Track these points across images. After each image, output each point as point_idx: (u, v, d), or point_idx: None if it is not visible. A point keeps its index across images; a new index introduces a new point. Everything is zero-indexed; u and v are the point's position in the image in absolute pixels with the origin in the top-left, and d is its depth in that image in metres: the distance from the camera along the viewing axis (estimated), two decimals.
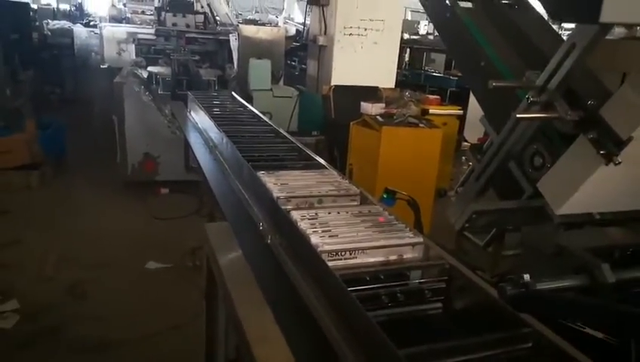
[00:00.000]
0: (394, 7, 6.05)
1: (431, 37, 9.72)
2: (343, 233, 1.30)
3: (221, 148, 2.46)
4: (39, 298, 3.42)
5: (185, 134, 3.44)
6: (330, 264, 1.12)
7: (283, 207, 1.49)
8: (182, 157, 4.73)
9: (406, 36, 8.90)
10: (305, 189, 1.63)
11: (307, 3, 6.52)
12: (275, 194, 1.56)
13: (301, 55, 8.02)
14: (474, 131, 6.79)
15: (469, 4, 1.39)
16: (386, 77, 6.13)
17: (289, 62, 8.31)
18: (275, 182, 1.68)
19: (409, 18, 12.23)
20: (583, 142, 0.93)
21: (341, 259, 1.21)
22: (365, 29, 5.88)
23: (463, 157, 6.00)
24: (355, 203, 1.61)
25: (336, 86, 5.63)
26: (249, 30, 5.93)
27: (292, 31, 8.57)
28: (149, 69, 5.64)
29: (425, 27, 10.45)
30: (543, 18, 1.19)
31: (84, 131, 7.36)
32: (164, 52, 6.37)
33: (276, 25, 7.91)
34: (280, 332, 1.18)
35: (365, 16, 5.84)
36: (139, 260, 4.00)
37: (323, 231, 1.30)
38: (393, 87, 6.19)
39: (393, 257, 1.23)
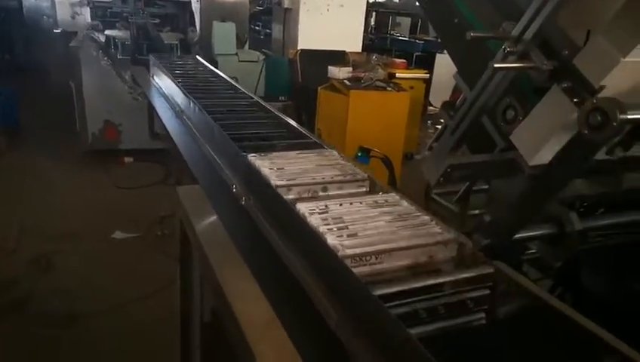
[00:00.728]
0: None
1: (396, 0, 9.63)
2: (363, 231, 1.09)
3: (190, 113, 2.38)
4: (2, 272, 3.31)
5: (149, 100, 3.33)
6: (356, 271, 0.96)
7: (286, 197, 1.27)
8: (146, 124, 4.59)
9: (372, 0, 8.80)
10: (306, 175, 1.41)
11: None
12: (274, 181, 1.34)
13: (265, 19, 7.82)
14: (439, 95, 6.85)
15: None
16: (352, 41, 6.07)
17: (253, 26, 8.09)
18: (270, 167, 1.45)
19: None
20: (557, 92, 0.95)
21: (366, 265, 1.01)
22: None
23: (429, 121, 6.10)
24: (364, 188, 1.40)
25: (302, 50, 5.54)
26: None
27: None
28: (107, 32, 5.39)
29: None
30: None
31: (40, 99, 7.03)
32: (122, 15, 6.08)
33: None
34: (259, 289, 1.19)
35: None
36: (105, 231, 3.92)
37: (339, 229, 1.09)
38: (360, 51, 6.15)
39: (424, 259, 1.05)
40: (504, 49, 0.98)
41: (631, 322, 1.46)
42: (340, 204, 1.22)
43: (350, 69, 4.94)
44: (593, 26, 0.97)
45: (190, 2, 6.08)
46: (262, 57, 5.40)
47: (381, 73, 4.95)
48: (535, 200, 1.05)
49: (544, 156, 1.05)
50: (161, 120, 2.80)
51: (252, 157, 1.51)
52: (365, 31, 7.00)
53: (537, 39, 0.95)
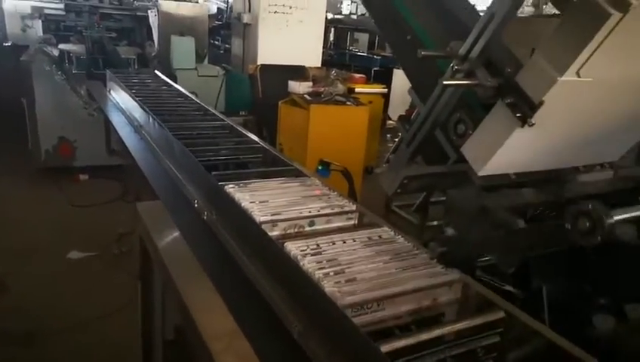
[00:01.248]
0: None
1: (354, 16, 9.84)
2: (361, 274, 1.02)
3: (154, 132, 2.34)
4: None
5: (106, 115, 3.27)
6: (356, 321, 0.89)
7: (271, 234, 1.20)
8: (102, 140, 4.49)
9: (330, 16, 8.94)
10: (291, 208, 1.31)
11: None
12: (258, 217, 1.24)
13: (225, 34, 7.82)
14: (398, 110, 7.02)
15: None
16: (312, 56, 6.15)
17: (212, 41, 8.07)
18: (251, 200, 1.34)
19: None
20: (501, 107, 1.01)
21: (367, 313, 0.94)
22: (290, 7, 5.85)
23: (388, 135, 6.22)
24: (352, 221, 1.34)
25: (262, 65, 5.57)
26: (169, 6, 5.69)
27: (213, 9, 8.30)
28: (60, 46, 5.26)
29: (348, 7, 10.55)
30: None
31: None
32: (76, 29, 5.95)
33: (197, 1, 7.63)
34: (222, 302, 1.20)
35: None
36: (60, 250, 3.78)
37: (336, 274, 1.01)
38: (319, 66, 6.24)
39: (427, 302, 1.00)
40: (452, 67, 1.05)
41: (578, 321, 1.55)
42: (333, 243, 1.15)
43: (310, 83, 5.00)
44: (537, 45, 1.05)
45: (147, 17, 6.03)
46: (222, 72, 5.39)
47: (341, 88, 5.04)
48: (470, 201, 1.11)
49: (493, 167, 1.12)
50: (118, 135, 2.76)
51: (231, 188, 1.43)
52: (324, 46, 7.12)
53: (482, 58, 1.02)
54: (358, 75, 6.24)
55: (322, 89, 4.89)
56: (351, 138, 4.56)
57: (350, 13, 10.29)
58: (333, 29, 9.15)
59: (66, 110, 4.91)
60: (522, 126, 0.98)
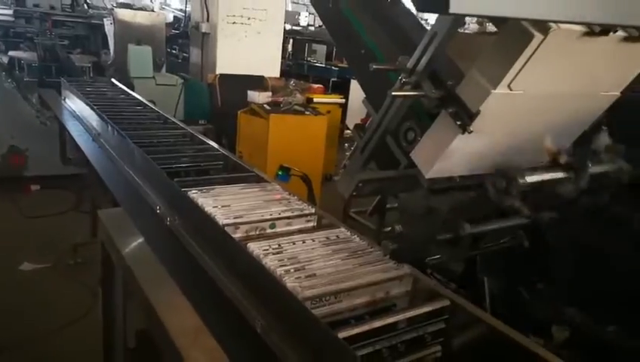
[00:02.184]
0: None
1: (312, 28, 10.00)
2: (320, 270, 1.09)
3: (110, 137, 2.36)
4: None
5: (61, 123, 3.22)
6: (315, 312, 0.97)
7: (234, 237, 1.25)
8: (56, 150, 4.38)
9: (288, 27, 9.06)
10: (252, 212, 1.37)
11: None
12: (221, 220, 1.30)
13: (183, 42, 7.78)
14: (355, 119, 7.17)
15: None
16: (270, 66, 6.23)
17: (170, 50, 8.01)
18: (214, 204, 1.40)
19: (289, 9, 12.42)
20: (445, 116, 1.13)
21: (325, 305, 1.01)
22: (249, 18, 5.91)
23: (346, 144, 6.32)
24: (312, 223, 1.40)
25: (221, 74, 5.60)
26: (126, 14, 5.63)
27: (170, 18, 8.26)
28: (10, 53, 5.11)
29: (305, 18, 10.71)
30: (411, 11, 1.38)
31: None
32: (26, 36, 5.80)
33: (152, 10, 7.57)
34: (187, 302, 1.24)
35: (248, 5, 5.88)
36: (12, 262, 3.66)
37: (296, 271, 1.08)
38: (278, 76, 6.32)
39: (380, 295, 1.09)
40: (400, 79, 1.15)
41: (520, 313, 1.69)
42: (293, 243, 1.21)
43: (269, 93, 5.08)
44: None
45: (102, 25, 5.94)
46: (180, 81, 5.38)
47: (299, 98, 5.13)
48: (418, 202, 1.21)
49: (439, 171, 1.23)
50: (75, 144, 2.73)
51: (194, 194, 1.48)
52: (283, 57, 7.21)
53: (427, 71, 1.13)
54: (316, 86, 6.36)
55: (281, 99, 4.97)
56: (310, 146, 4.65)
57: (308, 25, 10.46)
58: (291, 41, 9.26)
59: (17, 118, 4.77)
60: (462, 133, 1.09)
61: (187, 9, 6.65)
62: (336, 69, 8.22)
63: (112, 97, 3.25)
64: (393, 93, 1.14)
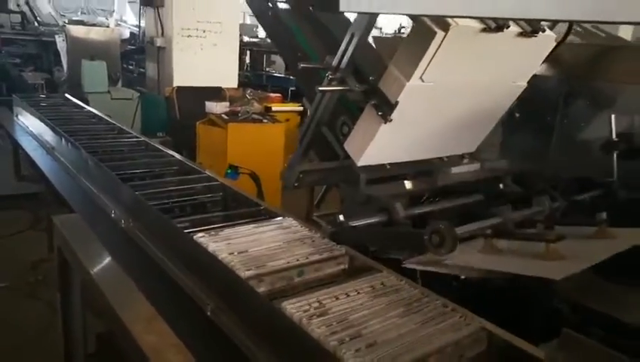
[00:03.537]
0: (230, 9, 6.26)
1: (269, 40, 10.13)
2: (380, 335, 0.89)
3: (64, 150, 2.38)
4: None
5: (15, 141, 3.21)
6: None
7: (260, 291, 1.04)
8: (7, 169, 4.30)
9: (246, 39, 9.16)
10: (274, 257, 1.16)
11: (140, 4, 6.38)
12: (242, 271, 1.08)
13: (138, 58, 7.77)
14: None
15: (287, 5, 1.67)
16: (228, 78, 6.30)
17: (127, 65, 7.98)
18: (229, 251, 1.18)
19: (247, 22, 12.54)
20: (370, 108, 1.25)
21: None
22: (204, 31, 5.98)
23: None
24: (343, 266, 1.20)
25: (179, 87, 5.63)
26: (78, 31, 5.61)
27: (126, 34, 8.23)
28: None
29: (263, 31, 10.82)
30: (338, 15, 1.51)
31: None
32: None
33: (107, 27, 7.53)
34: (146, 300, 1.31)
35: (202, 18, 5.95)
36: None
37: (351, 339, 0.86)
38: (236, 87, 6.40)
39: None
40: (327, 76, 1.27)
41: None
42: (336, 298, 1.00)
43: (227, 103, 5.15)
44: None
45: (55, 42, 5.89)
46: (136, 95, 5.39)
47: (257, 107, 5.22)
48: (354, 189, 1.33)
49: (369, 158, 1.35)
50: (30, 160, 2.74)
51: (201, 238, 1.24)
52: (241, 68, 7.30)
53: (350, 68, 1.25)
54: (274, 95, 6.46)
55: (239, 108, 5.05)
56: (269, 154, 4.74)
57: (266, 37, 10.59)
58: (249, 52, 9.37)
59: None
60: (385, 122, 1.22)
61: (142, 24, 6.67)
62: (294, 78, 8.36)
63: (65, 112, 3.26)
64: (320, 89, 1.27)
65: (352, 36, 1.20)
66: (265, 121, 4.93)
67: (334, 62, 1.26)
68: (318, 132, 1.41)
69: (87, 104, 4.07)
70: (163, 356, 1.16)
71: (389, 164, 1.40)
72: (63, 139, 2.35)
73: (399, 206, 1.49)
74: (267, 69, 9.53)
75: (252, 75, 8.85)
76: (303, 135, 1.43)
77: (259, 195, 2.42)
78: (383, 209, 1.50)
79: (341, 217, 1.38)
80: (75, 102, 3.56)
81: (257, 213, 1.47)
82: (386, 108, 1.20)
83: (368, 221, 1.45)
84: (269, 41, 10.42)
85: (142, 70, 7.41)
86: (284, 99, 6.90)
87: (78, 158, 2.12)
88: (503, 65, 1.30)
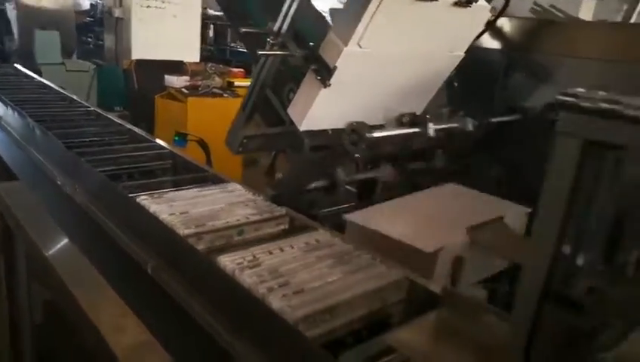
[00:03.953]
0: None
1: None
2: (307, 283, 0.93)
3: (10, 119, 2.32)
4: None
5: None
6: (308, 335, 0.82)
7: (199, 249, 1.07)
8: None
9: (211, 12, 8.95)
10: (215, 217, 1.17)
11: None
12: (181, 230, 1.10)
13: (97, 31, 7.51)
14: None
15: None
16: (189, 51, 6.18)
17: (86, 38, 7.72)
18: (170, 211, 1.19)
19: None
20: (310, 73, 1.28)
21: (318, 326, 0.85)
22: (163, 2, 5.83)
23: None
24: (283, 226, 1.22)
25: (138, 60, 5.49)
26: None
27: (86, 4, 7.92)
28: None
29: None
30: None
31: None
32: None
33: None
34: (91, 266, 1.32)
35: None
36: None
37: (280, 286, 0.91)
38: (198, 61, 6.28)
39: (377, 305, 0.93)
40: (269, 41, 1.29)
41: None
42: (270, 252, 1.03)
43: (187, 77, 5.06)
44: None
45: (4, 10, 5.63)
46: (92, 67, 5.23)
47: (218, 81, 5.16)
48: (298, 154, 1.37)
49: (311, 123, 1.38)
50: None
51: (144, 201, 1.25)
52: (204, 42, 7.15)
53: (290, 32, 1.27)
54: (236, 70, 6.37)
55: (200, 82, 4.98)
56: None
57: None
58: (212, 26, 9.17)
59: None
60: (324, 87, 1.25)
61: None
62: None
63: (13, 82, 3.15)
64: (260, 52, 1.28)
65: (293, 1, 1.22)
66: (225, 95, 4.88)
67: (275, 27, 1.28)
68: (262, 96, 1.43)
69: (40, 75, 3.94)
70: (109, 321, 1.18)
71: (332, 130, 1.44)
72: (9, 108, 2.29)
73: (341, 170, 1.53)
74: (232, 44, 9.36)
75: (215, 49, 8.68)
76: (246, 99, 1.44)
77: (208, 162, 2.43)
78: (325, 174, 1.54)
79: (280, 175, 1.41)
80: (25, 72, 3.44)
81: (203, 179, 1.49)
82: (324, 73, 1.22)
83: (311, 185, 1.49)
84: None
85: (100, 43, 7.18)
86: (247, 75, 6.82)
87: (23, 126, 2.07)
88: (440, 34, 1.35)
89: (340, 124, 1.44)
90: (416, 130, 1.40)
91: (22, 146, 2.02)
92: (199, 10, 6.34)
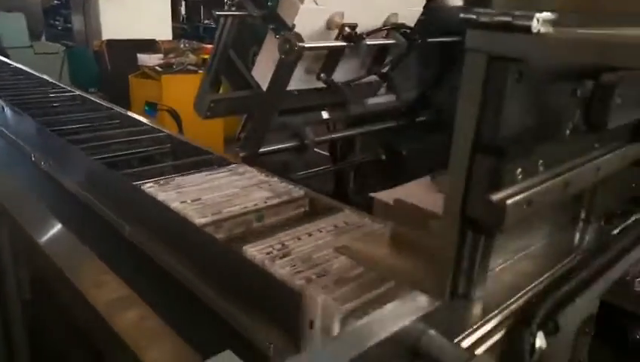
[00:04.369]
0: None
1: None
2: (348, 271, 0.83)
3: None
4: None
5: None
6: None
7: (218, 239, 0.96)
8: None
9: None
10: (231, 203, 1.08)
11: None
12: (197, 220, 1.00)
13: (66, 13, 7.34)
14: None
15: None
16: (161, 30, 6.09)
17: (53, 21, 7.54)
18: (181, 199, 1.09)
19: None
20: (270, 33, 1.31)
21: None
22: None
23: None
24: (304, 208, 1.14)
25: (109, 40, 5.41)
26: None
27: None
28: None
29: None
30: None
31: None
32: None
33: None
34: (78, 241, 1.33)
35: None
36: None
37: (318, 277, 0.81)
38: (170, 39, 6.20)
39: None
40: (226, 2, 1.31)
41: None
42: (298, 238, 0.94)
43: (161, 55, 5.01)
44: None
45: None
46: (62, 48, 5.14)
47: (192, 58, 5.11)
48: (265, 116, 1.41)
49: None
50: None
51: (150, 188, 1.15)
52: (177, 20, 7.04)
53: None
54: (209, 46, 6.31)
55: (174, 60, 4.93)
56: None
57: None
58: (184, 2, 9.02)
59: None
60: None
61: None
62: None
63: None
64: (217, 13, 1.31)
65: None
66: (200, 71, 4.85)
67: None
68: (225, 58, 1.45)
69: (8, 58, 3.86)
70: (98, 291, 1.16)
71: (297, 90, 1.47)
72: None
73: (309, 130, 1.58)
74: (206, 21, 9.22)
75: (188, 27, 8.55)
76: (210, 62, 1.47)
77: (180, 132, 2.45)
78: (294, 135, 1.59)
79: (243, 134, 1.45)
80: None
81: (208, 162, 1.37)
82: (285, 31, 1.26)
83: (281, 146, 1.54)
84: None
85: (69, 26, 7.02)
86: None
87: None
88: None
89: (301, 85, 1.48)
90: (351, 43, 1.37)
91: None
92: None
